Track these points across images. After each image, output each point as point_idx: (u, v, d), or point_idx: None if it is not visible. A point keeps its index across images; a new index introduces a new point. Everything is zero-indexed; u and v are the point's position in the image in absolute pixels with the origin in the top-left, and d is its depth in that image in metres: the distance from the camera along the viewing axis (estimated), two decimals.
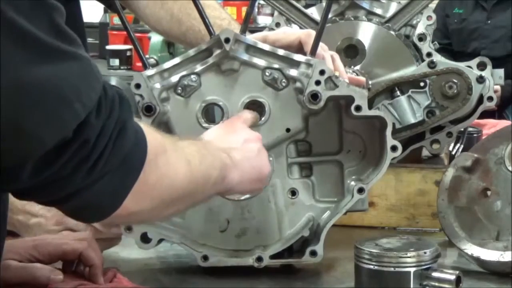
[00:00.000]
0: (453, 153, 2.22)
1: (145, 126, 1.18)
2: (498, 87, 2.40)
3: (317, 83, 1.59)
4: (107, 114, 1.08)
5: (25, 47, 0.99)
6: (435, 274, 1.47)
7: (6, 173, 1.02)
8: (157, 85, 1.60)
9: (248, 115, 1.59)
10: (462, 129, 2.15)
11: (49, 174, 1.04)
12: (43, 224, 1.62)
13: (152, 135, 1.18)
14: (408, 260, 1.47)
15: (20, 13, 0.99)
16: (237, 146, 1.43)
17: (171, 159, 1.22)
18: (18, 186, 1.06)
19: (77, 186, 1.07)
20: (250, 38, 1.65)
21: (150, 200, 1.18)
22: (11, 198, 1.61)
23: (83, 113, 1.04)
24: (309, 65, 1.60)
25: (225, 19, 1.95)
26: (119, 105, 1.10)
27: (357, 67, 2.07)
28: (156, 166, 1.17)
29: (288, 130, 1.64)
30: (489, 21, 4.66)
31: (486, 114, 2.51)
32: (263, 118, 1.63)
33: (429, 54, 2.03)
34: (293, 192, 1.67)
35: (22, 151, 1.01)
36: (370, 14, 2.19)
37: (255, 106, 1.63)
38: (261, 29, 3.96)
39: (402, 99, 1.99)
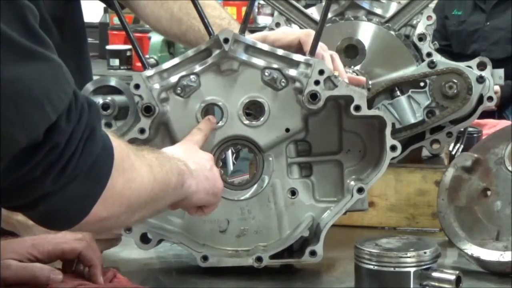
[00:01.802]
0: (453, 153, 2.22)
1: (109, 132, 1.18)
2: (498, 87, 2.40)
3: (316, 83, 1.59)
4: (76, 119, 1.07)
5: None
6: (435, 274, 1.47)
7: None
8: (157, 86, 1.60)
9: (198, 132, 1.58)
10: (462, 129, 2.15)
11: (18, 176, 1.04)
12: None
13: (116, 142, 1.18)
14: (408, 260, 1.47)
15: None
16: (190, 158, 1.44)
17: (135, 164, 1.23)
18: None
19: (45, 190, 1.07)
20: (250, 38, 1.65)
21: (118, 206, 1.19)
22: None
23: (54, 116, 1.03)
24: (308, 65, 1.60)
25: (225, 19, 1.95)
26: (88, 111, 1.10)
27: (357, 67, 2.07)
28: (122, 170, 1.18)
29: (287, 130, 1.64)
30: (488, 23, 4.66)
31: (486, 114, 2.51)
32: (262, 118, 1.63)
33: (429, 54, 2.03)
34: (293, 192, 1.67)
35: None
36: (370, 14, 2.19)
37: (254, 106, 1.64)
38: (261, 29, 3.96)
39: (402, 99, 1.99)
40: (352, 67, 2.06)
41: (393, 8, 2.21)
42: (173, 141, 1.63)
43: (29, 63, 1.01)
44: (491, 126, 2.54)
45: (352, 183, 1.65)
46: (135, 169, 1.22)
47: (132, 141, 1.55)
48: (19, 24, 1.01)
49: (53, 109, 1.03)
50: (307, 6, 2.24)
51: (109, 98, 1.57)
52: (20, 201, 1.09)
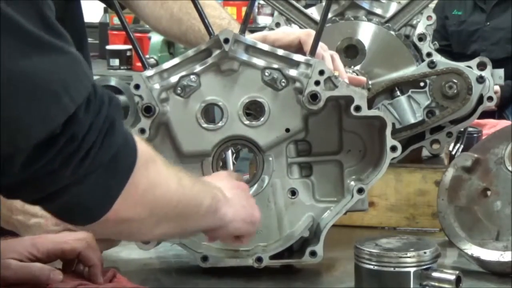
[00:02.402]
0: (453, 153, 2.22)
1: (136, 137, 1.18)
2: (498, 87, 2.40)
3: (317, 83, 1.59)
4: (96, 111, 1.07)
5: (14, 38, 0.99)
6: (435, 274, 1.47)
7: None
8: (157, 86, 1.60)
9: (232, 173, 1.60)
10: (462, 129, 2.15)
11: (36, 168, 1.04)
12: (43, 224, 1.62)
13: (143, 144, 1.18)
14: (408, 260, 1.47)
15: (10, 4, 0.99)
16: (226, 186, 1.43)
17: (162, 172, 1.22)
18: (8, 181, 1.05)
19: (65, 182, 1.07)
20: (250, 38, 1.65)
21: (141, 208, 1.18)
22: None
23: (72, 108, 1.03)
24: (308, 65, 1.60)
25: (225, 19, 1.95)
26: (108, 104, 1.10)
27: (357, 67, 2.07)
28: (147, 172, 1.17)
29: (287, 130, 1.64)
30: (488, 23, 4.66)
31: (486, 114, 2.51)
32: (262, 118, 1.63)
33: (429, 54, 2.03)
34: (293, 192, 1.67)
35: (10, 144, 1.01)
36: (370, 14, 2.19)
37: (254, 106, 1.64)
38: (261, 29, 3.96)
39: (402, 99, 1.99)
40: (352, 67, 2.06)
41: (393, 8, 2.20)
42: (173, 141, 1.63)
43: (47, 56, 1.01)
44: (491, 126, 2.54)
45: (352, 183, 1.66)
46: (161, 175, 1.21)
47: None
48: (37, 17, 1.02)
49: (71, 101, 1.03)
50: (307, 6, 2.24)
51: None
52: (40, 194, 1.08)
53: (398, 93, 2.00)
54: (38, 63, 1.00)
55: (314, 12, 2.22)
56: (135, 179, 1.14)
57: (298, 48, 1.78)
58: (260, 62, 1.62)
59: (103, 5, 2.52)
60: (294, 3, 2.08)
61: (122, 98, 1.58)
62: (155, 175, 1.20)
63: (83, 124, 1.05)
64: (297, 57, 1.61)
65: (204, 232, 1.43)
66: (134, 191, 1.14)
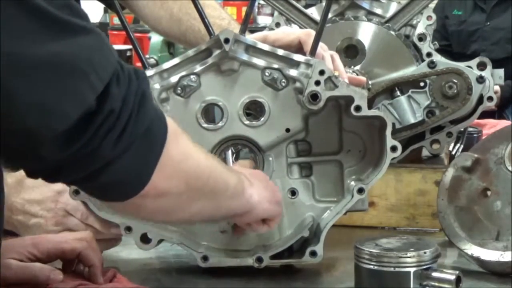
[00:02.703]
0: (453, 153, 2.22)
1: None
2: (498, 87, 2.40)
3: (317, 83, 1.59)
4: (126, 85, 1.08)
5: (38, 22, 1.00)
6: (435, 274, 1.47)
7: (34, 151, 1.03)
8: (157, 86, 1.60)
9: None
10: (462, 129, 2.15)
11: (77, 148, 1.04)
12: (42, 224, 1.62)
13: (170, 119, 1.19)
14: (408, 260, 1.47)
15: None
16: (248, 172, 1.46)
17: (191, 145, 1.24)
18: (48, 164, 1.05)
19: (105, 159, 1.07)
20: (250, 38, 1.65)
21: (177, 180, 1.19)
22: (11, 198, 1.62)
23: (100, 85, 1.04)
24: (308, 65, 1.60)
25: (225, 19, 1.95)
26: (136, 77, 1.10)
27: (357, 67, 2.07)
28: (178, 144, 1.18)
29: (287, 130, 1.64)
30: (488, 23, 4.67)
31: (486, 114, 2.51)
32: (262, 118, 1.63)
33: (429, 54, 2.03)
34: (293, 192, 1.67)
35: (47, 127, 1.01)
36: (370, 14, 2.19)
37: (254, 106, 1.64)
38: (261, 29, 3.96)
39: (402, 99, 1.99)
40: (352, 67, 2.06)
41: (393, 8, 2.21)
42: None
43: (71, 37, 1.02)
44: (491, 126, 2.54)
45: (352, 183, 1.66)
46: (191, 148, 1.23)
47: None
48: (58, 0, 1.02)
49: (98, 78, 1.04)
50: (307, 6, 2.24)
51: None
52: (80, 174, 1.09)
53: (398, 93, 2.00)
54: (63, 45, 1.01)
55: (314, 12, 2.22)
56: (168, 150, 1.15)
57: (298, 48, 1.78)
58: (260, 62, 1.62)
59: (103, 5, 2.52)
60: (294, 3, 2.08)
61: None
62: (185, 147, 1.21)
63: (117, 98, 1.06)
64: (297, 57, 1.61)
65: (234, 220, 1.45)
66: (169, 162, 1.15)
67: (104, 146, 1.06)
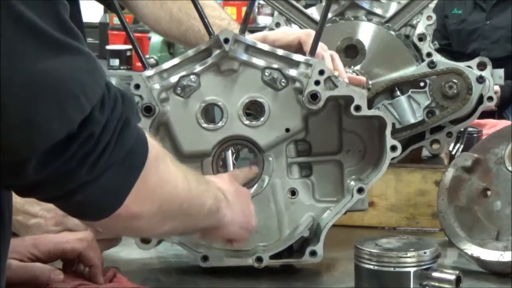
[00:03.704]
0: (453, 153, 2.22)
1: (146, 133, 1.18)
2: (498, 87, 2.40)
3: (317, 83, 1.59)
4: (110, 109, 1.08)
5: (33, 39, 1.00)
6: (435, 274, 1.47)
7: (12, 168, 1.03)
8: (157, 86, 1.60)
9: (239, 172, 1.61)
10: (462, 129, 2.15)
11: (54, 168, 1.04)
12: (42, 224, 1.62)
13: (153, 141, 1.19)
14: (408, 260, 1.47)
15: (28, 6, 0.99)
16: (228, 189, 1.44)
17: (171, 169, 1.23)
18: (24, 181, 1.05)
19: (81, 180, 1.07)
20: (250, 38, 1.65)
21: (150, 203, 1.18)
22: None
23: (88, 107, 1.04)
24: (308, 65, 1.60)
25: (225, 19, 1.95)
26: (121, 102, 1.11)
27: (357, 67, 2.07)
28: (156, 168, 1.18)
29: (287, 130, 1.64)
30: (488, 22, 4.66)
31: (486, 114, 2.51)
32: (262, 118, 1.63)
33: (429, 54, 2.03)
34: (293, 192, 1.67)
35: (29, 144, 1.01)
36: (370, 14, 2.19)
37: (254, 106, 1.64)
38: (261, 29, 3.96)
39: (402, 99, 1.99)
40: (352, 67, 2.06)
41: (393, 8, 2.21)
42: (173, 141, 1.63)
43: (64, 57, 1.02)
44: (491, 126, 2.54)
45: (352, 183, 1.66)
46: (170, 172, 1.22)
47: None
48: (53, 18, 1.02)
49: (87, 101, 1.04)
50: (307, 6, 2.24)
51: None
52: (55, 192, 1.09)
53: (398, 93, 2.01)
54: (56, 64, 1.01)
55: (314, 12, 2.22)
56: (146, 175, 1.15)
57: (298, 48, 1.78)
58: (260, 62, 1.62)
59: (103, 5, 2.53)
60: (294, 3, 2.08)
61: None
62: (164, 172, 1.21)
63: (98, 123, 1.06)
64: (297, 57, 1.61)
65: (200, 232, 1.44)
66: (144, 187, 1.15)
67: (80, 169, 1.06)
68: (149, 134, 1.19)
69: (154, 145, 1.18)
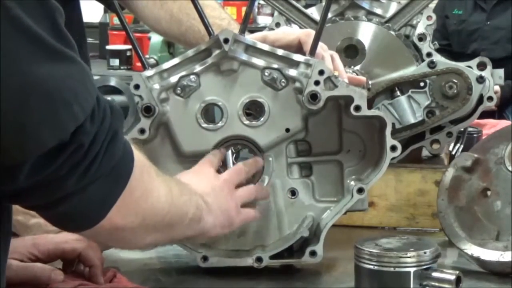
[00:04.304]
0: (453, 153, 2.22)
1: (132, 144, 1.19)
2: (498, 87, 2.40)
3: (317, 83, 1.59)
4: (100, 121, 1.08)
5: (29, 45, 0.99)
6: (435, 274, 1.47)
7: (4, 173, 1.02)
8: (156, 86, 1.60)
9: (214, 157, 1.59)
10: (462, 129, 2.15)
11: (43, 176, 1.04)
12: (42, 224, 1.62)
13: (137, 152, 1.19)
14: (408, 260, 1.47)
15: (25, 11, 0.99)
16: (207, 190, 1.45)
17: (155, 181, 1.24)
18: (12, 188, 1.05)
19: (68, 190, 1.08)
20: (250, 38, 1.65)
21: (134, 216, 1.19)
22: None
23: (81, 117, 1.04)
24: (308, 65, 1.60)
25: (225, 19, 1.95)
26: (110, 114, 1.11)
27: (357, 67, 2.07)
28: (141, 181, 1.19)
29: (287, 130, 1.64)
30: (488, 22, 4.66)
31: (486, 114, 2.51)
32: (262, 118, 1.63)
33: (429, 54, 2.03)
34: (293, 192, 1.67)
35: (21, 150, 1.01)
36: (370, 14, 2.19)
37: (254, 106, 1.64)
38: (261, 29, 3.96)
39: (402, 99, 1.99)
40: (352, 67, 2.06)
41: (393, 8, 2.21)
42: (173, 141, 1.63)
43: (58, 64, 1.02)
44: (491, 126, 2.54)
45: (352, 183, 1.66)
46: (154, 185, 1.23)
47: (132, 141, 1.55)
48: (49, 25, 1.02)
49: (81, 110, 1.04)
50: (307, 6, 2.24)
51: (109, 98, 1.57)
52: (41, 200, 1.09)
53: (398, 93, 2.01)
54: (51, 70, 1.01)
55: (314, 12, 2.22)
56: (130, 188, 1.15)
57: (298, 48, 1.78)
58: (260, 62, 1.62)
59: (103, 5, 2.53)
60: (294, 3, 2.08)
61: (122, 98, 1.59)
62: (148, 184, 1.22)
63: (89, 133, 1.06)
64: (297, 57, 1.61)
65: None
66: (128, 199, 1.16)
67: (68, 178, 1.06)
68: (134, 146, 1.19)
69: (139, 158, 1.18)
